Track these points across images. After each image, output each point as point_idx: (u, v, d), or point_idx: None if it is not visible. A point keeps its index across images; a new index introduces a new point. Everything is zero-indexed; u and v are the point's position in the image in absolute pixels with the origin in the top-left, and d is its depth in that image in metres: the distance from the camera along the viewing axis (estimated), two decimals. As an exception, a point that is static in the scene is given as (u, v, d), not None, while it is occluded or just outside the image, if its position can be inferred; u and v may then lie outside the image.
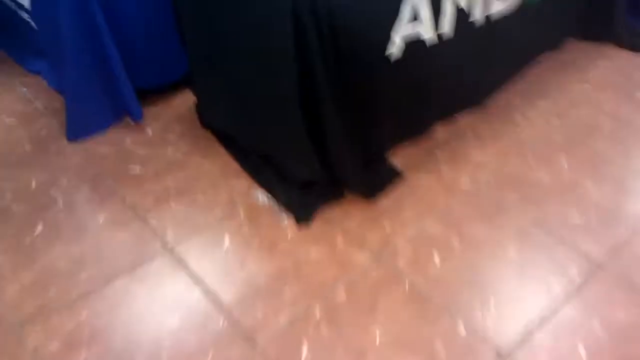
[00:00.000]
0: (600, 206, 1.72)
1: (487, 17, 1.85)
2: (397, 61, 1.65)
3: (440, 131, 2.03)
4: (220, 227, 1.71)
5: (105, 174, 1.93)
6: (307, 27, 1.42)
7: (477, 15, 1.81)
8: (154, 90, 2.22)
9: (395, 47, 1.62)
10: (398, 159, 1.91)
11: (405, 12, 1.58)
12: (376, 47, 1.59)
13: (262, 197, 1.80)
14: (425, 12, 1.64)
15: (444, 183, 1.83)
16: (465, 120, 2.07)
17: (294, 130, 1.65)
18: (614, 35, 2.36)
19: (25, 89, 2.41)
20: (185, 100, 2.23)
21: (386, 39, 1.59)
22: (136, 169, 1.95)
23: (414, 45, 1.66)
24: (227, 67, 1.79)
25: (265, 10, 1.49)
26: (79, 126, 2.07)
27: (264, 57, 1.60)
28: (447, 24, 1.73)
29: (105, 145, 2.07)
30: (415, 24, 1.63)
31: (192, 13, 1.80)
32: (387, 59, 1.62)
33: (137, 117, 2.11)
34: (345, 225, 1.70)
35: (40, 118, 2.22)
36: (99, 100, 2.05)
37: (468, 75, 1.97)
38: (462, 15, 1.76)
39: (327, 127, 1.64)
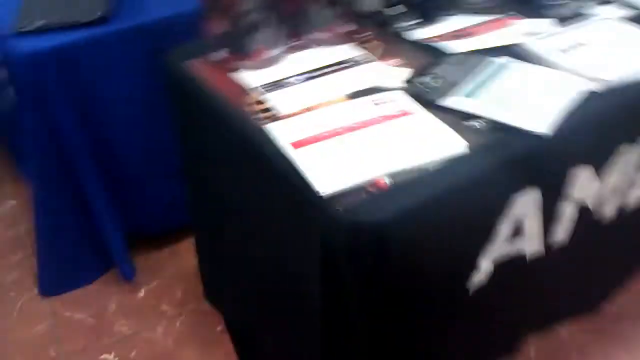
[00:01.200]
0: None
1: (620, 210, 1.27)
2: (480, 288, 1.08)
3: (534, 349, 1.43)
4: None
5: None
6: (343, 271, 0.89)
7: (608, 211, 1.23)
8: (156, 235, 1.73)
9: (480, 273, 1.06)
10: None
11: (504, 231, 1.02)
12: (450, 283, 1.03)
13: None
14: (533, 225, 1.07)
15: None
16: (567, 333, 1.47)
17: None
18: None
19: (14, 202, 1.98)
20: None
21: (468, 268, 1.03)
22: (109, 358, 1.46)
23: (507, 264, 1.10)
24: (240, 247, 1.28)
25: (292, 241, 0.99)
26: (52, 280, 1.61)
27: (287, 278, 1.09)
28: (562, 231, 1.15)
29: (81, 309, 1.59)
30: (514, 240, 1.07)
31: (204, 181, 1.31)
32: (465, 290, 1.06)
33: (127, 276, 1.62)
34: None
35: (15, 251, 1.78)
36: (77, 251, 1.58)
37: (580, 280, 1.37)
38: (585, 215, 1.18)
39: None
